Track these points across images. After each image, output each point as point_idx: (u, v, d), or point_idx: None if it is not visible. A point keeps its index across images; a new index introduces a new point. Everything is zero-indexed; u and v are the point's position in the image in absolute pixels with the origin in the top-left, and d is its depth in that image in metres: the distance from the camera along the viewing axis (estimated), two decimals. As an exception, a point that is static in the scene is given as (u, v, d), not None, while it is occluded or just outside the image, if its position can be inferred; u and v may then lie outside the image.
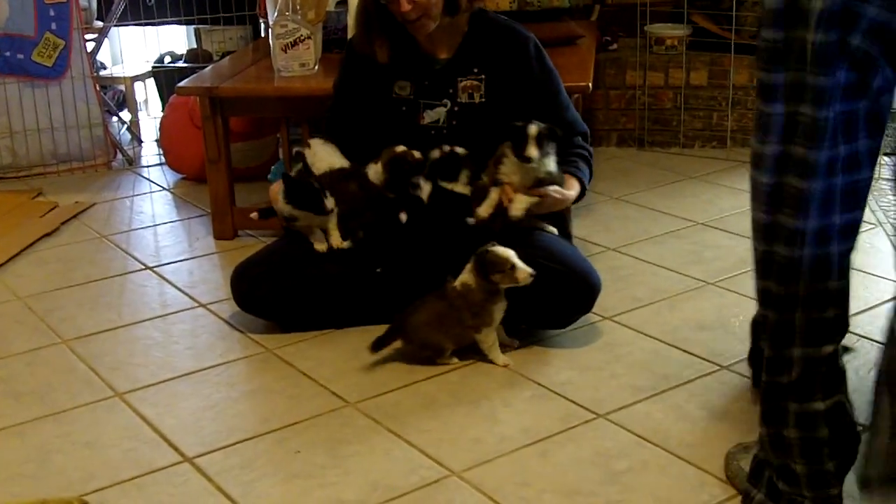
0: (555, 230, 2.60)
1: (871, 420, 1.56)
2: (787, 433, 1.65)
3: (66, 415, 2.26)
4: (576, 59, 3.28)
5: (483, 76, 2.63)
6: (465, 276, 2.36)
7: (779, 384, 1.64)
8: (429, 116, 2.66)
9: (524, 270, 2.29)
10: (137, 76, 4.77)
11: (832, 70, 1.47)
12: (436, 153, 2.60)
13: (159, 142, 4.24)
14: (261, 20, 4.17)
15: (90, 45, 4.28)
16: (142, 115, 4.84)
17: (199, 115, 3.31)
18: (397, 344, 2.44)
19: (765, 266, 1.61)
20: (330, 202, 2.55)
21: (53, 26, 3.97)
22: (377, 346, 2.41)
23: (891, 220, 3.23)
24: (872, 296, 2.70)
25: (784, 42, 1.50)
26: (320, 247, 2.61)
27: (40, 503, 1.88)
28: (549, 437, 2.10)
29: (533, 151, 2.42)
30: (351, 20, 3.12)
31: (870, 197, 1.83)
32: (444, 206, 2.59)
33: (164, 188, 3.94)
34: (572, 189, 2.55)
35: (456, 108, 2.65)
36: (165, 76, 4.62)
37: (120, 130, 4.57)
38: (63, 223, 3.51)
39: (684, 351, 2.47)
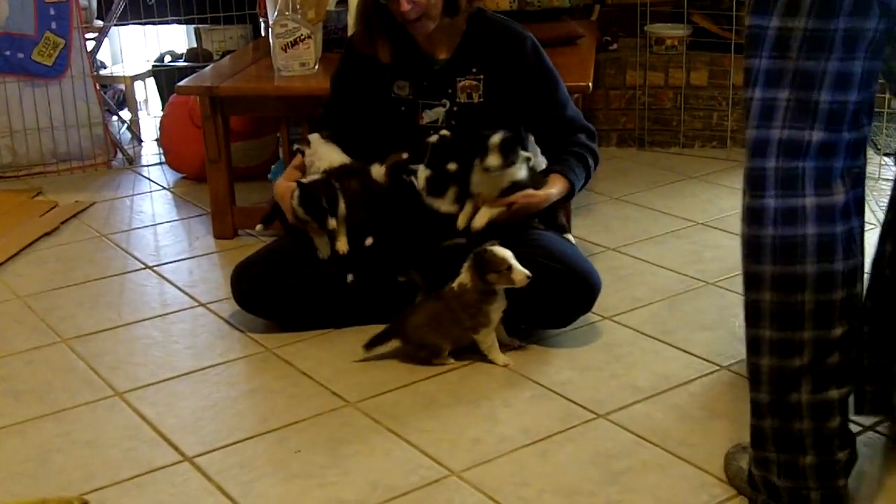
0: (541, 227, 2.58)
1: None
2: (799, 425, 1.64)
3: (65, 414, 2.26)
4: (576, 59, 3.28)
5: (482, 76, 2.63)
6: (463, 276, 2.36)
7: (789, 369, 1.63)
8: (428, 116, 2.66)
9: (521, 272, 2.28)
10: (137, 75, 4.77)
11: None
12: (434, 138, 2.56)
13: (159, 141, 4.24)
14: (261, 19, 4.17)
15: (90, 45, 4.28)
16: (142, 114, 4.84)
17: (199, 115, 3.31)
18: (396, 344, 2.44)
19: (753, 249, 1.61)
20: (341, 207, 2.55)
21: (53, 25, 3.97)
22: (371, 344, 2.41)
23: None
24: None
25: None
26: (322, 254, 2.61)
27: (40, 502, 1.88)
28: (548, 437, 2.10)
29: (494, 161, 2.40)
30: (351, 20, 3.12)
31: (870, 197, 1.83)
32: (429, 223, 2.55)
33: (164, 187, 3.94)
34: (554, 187, 2.53)
35: (455, 108, 2.64)
36: (165, 75, 4.61)
37: (120, 130, 4.56)
38: (63, 222, 3.51)
39: (684, 351, 2.47)
